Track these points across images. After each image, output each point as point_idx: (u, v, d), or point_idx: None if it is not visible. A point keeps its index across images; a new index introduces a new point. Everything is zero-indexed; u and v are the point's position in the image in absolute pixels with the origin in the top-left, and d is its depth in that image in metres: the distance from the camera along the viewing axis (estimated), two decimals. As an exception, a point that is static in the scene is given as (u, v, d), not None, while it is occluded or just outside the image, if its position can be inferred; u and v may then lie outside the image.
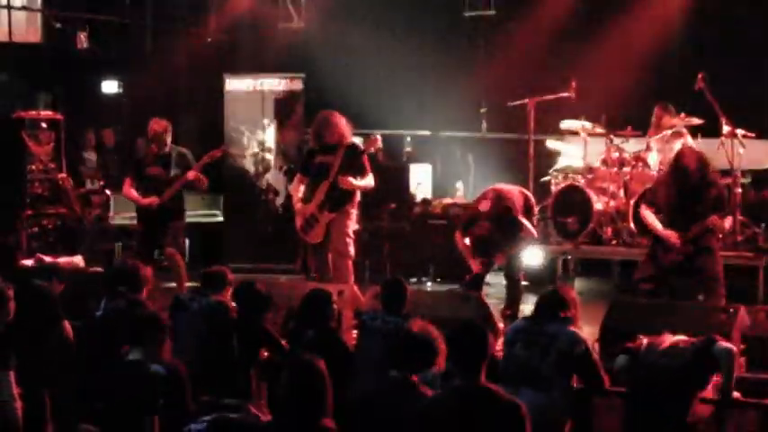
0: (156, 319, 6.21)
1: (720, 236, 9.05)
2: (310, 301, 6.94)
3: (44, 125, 13.33)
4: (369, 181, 9.82)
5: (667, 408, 6.25)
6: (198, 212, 12.51)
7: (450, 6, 14.08)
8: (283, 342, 7.13)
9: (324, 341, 6.48)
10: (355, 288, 8.90)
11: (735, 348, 6.44)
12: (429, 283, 12.26)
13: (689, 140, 10.54)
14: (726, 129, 11.24)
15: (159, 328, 6.14)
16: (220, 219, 13.39)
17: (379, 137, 10.05)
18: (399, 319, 7.03)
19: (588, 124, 12.05)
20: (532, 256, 12.17)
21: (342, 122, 9.83)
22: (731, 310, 7.56)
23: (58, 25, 13.97)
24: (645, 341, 6.53)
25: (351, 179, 9.68)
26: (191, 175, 10.31)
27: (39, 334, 7.52)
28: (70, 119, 13.81)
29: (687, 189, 8.88)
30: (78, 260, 12.39)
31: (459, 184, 13.77)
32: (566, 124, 12.34)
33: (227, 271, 8.02)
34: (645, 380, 6.36)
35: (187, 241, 10.92)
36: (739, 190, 11.05)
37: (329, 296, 7.00)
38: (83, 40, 14.27)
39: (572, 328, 6.51)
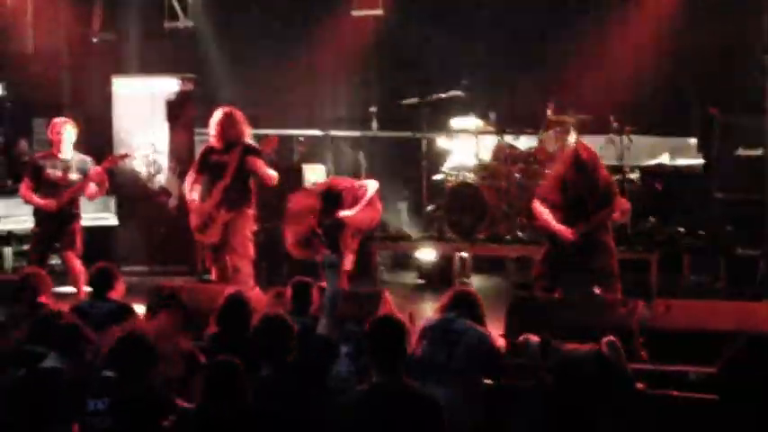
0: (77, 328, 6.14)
1: (621, 220, 9.20)
2: (229, 306, 6.91)
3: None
4: (273, 173, 9.75)
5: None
6: (89, 215, 12.26)
7: (338, 6, 14.06)
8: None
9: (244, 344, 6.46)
10: (257, 289, 8.87)
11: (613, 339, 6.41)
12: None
13: (572, 138, 10.77)
14: (614, 125, 11.51)
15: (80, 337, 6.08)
16: (113, 221, 13.17)
17: (276, 137, 10.00)
18: (307, 319, 7.04)
19: (479, 122, 12.16)
20: (427, 254, 12.30)
21: (242, 120, 9.80)
22: (630, 303, 7.73)
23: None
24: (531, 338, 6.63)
25: (259, 164, 9.62)
26: (93, 177, 10.11)
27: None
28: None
29: (581, 185, 8.94)
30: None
31: (352, 184, 13.72)
32: (456, 122, 12.43)
33: (107, 267, 7.90)
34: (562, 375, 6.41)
35: (79, 245, 10.73)
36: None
37: (245, 300, 6.97)
38: (-37, 41, 13.94)
39: (479, 327, 6.60)
